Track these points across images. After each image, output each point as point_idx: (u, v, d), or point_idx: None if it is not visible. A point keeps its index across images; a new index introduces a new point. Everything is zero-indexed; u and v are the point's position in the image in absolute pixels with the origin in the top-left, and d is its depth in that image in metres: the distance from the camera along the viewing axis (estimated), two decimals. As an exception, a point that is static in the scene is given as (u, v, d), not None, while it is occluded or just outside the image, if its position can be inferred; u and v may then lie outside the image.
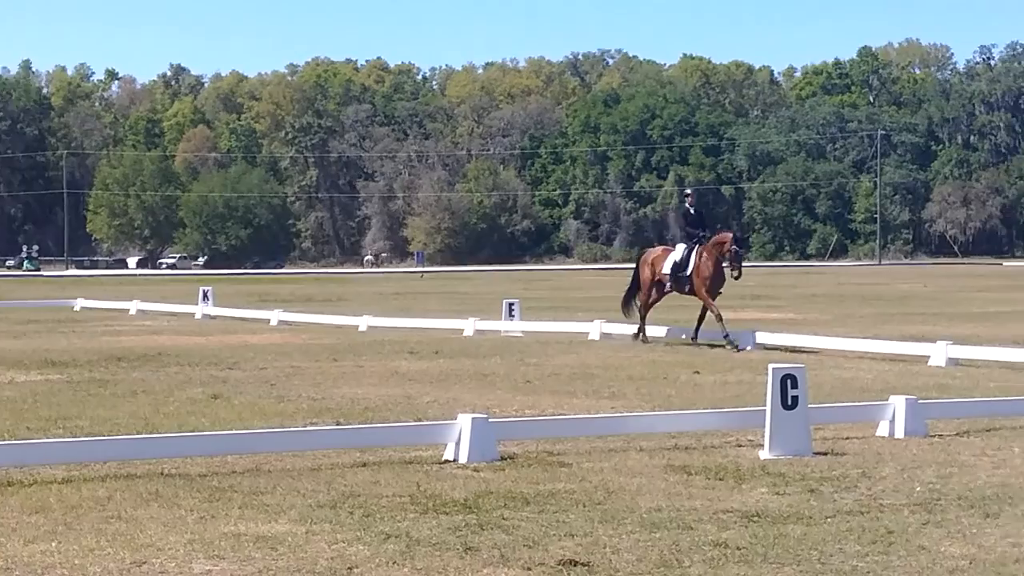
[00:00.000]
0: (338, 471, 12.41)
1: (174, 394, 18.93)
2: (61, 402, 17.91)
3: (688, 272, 28.45)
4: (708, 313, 28.25)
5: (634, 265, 30.95)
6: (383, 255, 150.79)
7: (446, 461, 12.92)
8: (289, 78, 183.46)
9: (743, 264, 29.16)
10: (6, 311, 45.56)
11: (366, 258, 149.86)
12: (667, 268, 28.91)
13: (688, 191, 32.14)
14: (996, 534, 9.71)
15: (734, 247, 28.42)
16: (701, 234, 29.18)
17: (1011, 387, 19.37)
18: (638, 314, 29.48)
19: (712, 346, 27.45)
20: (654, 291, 29.47)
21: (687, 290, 28.71)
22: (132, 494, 11.24)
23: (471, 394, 18.92)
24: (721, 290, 28.80)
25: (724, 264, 28.51)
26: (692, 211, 29.93)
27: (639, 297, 29.72)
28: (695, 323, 28.69)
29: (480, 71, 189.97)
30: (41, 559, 9.02)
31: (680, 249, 29.08)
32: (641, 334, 29.09)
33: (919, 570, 8.66)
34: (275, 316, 37.92)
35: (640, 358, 25.09)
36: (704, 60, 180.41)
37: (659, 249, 30.76)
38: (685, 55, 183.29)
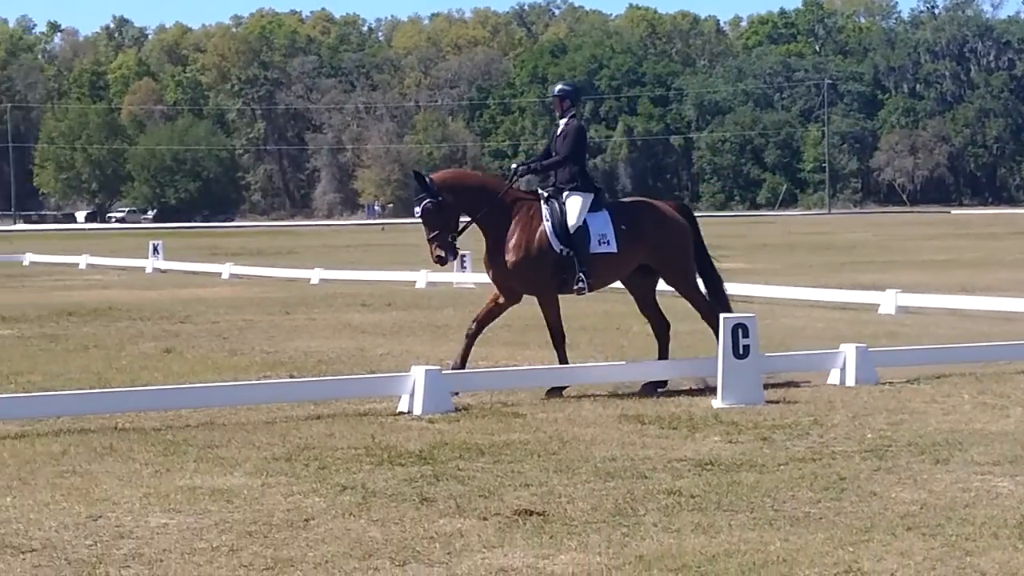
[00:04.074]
0: (292, 424, 12.42)
1: (126, 348, 18.87)
2: (12, 357, 17.83)
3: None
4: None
5: None
6: (389, 206, 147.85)
7: (400, 413, 12.95)
8: (234, 30, 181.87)
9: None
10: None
11: (375, 207, 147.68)
12: None
13: None
14: (946, 480, 9.81)
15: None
16: None
17: (960, 334, 19.53)
18: None
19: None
20: None
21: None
22: (86, 449, 11.23)
23: (424, 346, 18.95)
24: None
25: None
26: None
27: None
28: None
29: (426, 22, 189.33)
30: (-3, 515, 9.00)
31: None
32: None
33: (871, 515, 8.74)
34: (226, 270, 37.83)
35: (592, 309, 25.10)
36: (650, 10, 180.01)
37: None
38: (631, 5, 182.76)
